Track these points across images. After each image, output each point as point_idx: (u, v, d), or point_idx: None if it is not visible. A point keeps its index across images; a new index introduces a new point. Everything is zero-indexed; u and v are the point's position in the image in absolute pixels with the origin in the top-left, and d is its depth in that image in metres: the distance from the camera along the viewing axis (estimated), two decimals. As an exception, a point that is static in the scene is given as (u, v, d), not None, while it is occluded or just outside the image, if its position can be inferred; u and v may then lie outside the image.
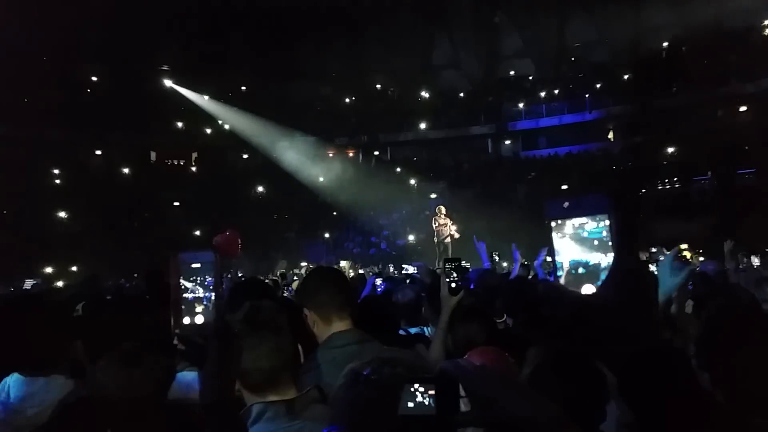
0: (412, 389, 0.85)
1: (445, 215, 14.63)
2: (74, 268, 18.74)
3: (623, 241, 0.76)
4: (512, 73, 33.94)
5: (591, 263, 0.76)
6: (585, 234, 0.75)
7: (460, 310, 2.77)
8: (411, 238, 22.69)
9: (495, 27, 33.20)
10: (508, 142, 31.86)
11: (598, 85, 29.64)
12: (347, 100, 33.76)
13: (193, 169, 31.33)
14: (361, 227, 24.45)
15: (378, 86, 34.98)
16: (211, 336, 1.36)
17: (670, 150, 25.23)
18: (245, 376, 1.52)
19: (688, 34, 26.99)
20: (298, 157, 29.06)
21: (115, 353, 1.72)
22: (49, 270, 17.96)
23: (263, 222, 25.21)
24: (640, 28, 29.08)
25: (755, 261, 6.83)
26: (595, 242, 0.74)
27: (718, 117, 26.43)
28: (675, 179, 23.61)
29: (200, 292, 1.40)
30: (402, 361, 1.06)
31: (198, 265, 1.40)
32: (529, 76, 33.27)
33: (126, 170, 28.43)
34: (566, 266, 0.79)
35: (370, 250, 22.14)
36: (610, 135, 29.46)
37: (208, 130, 31.28)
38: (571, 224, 0.76)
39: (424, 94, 33.32)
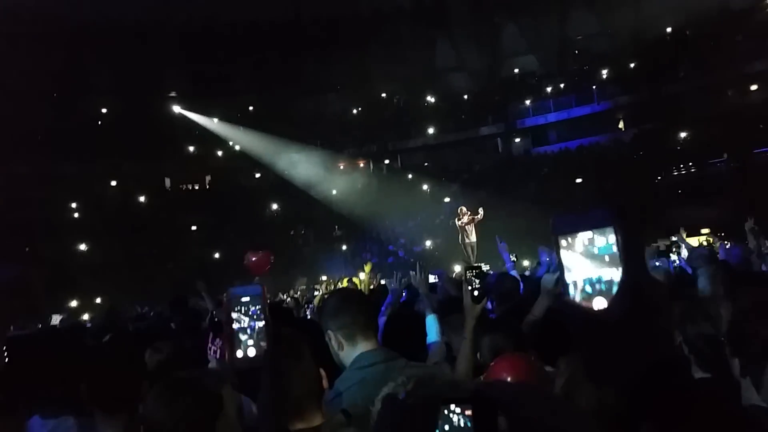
0: (449, 410, 0.83)
1: (468, 214, 14.31)
2: (98, 300, 18.96)
3: (630, 254, 0.74)
4: (517, 70, 33.83)
5: (604, 279, 0.75)
6: (595, 250, 0.75)
7: (484, 320, 2.75)
8: (428, 244, 22.64)
9: (496, 26, 33.20)
10: (518, 140, 31.73)
11: (604, 76, 29.43)
12: (354, 111, 33.90)
13: (208, 192, 31.59)
14: (377, 237, 24.47)
15: (383, 95, 35.07)
16: (263, 367, 1.37)
17: (683, 135, 24.95)
18: None
19: (691, 17, 26.74)
20: (310, 171, 29.22)
21: (169, 381, 1.71)
22: (74, 303, 18.18)
23: (280, 239, 25.32)
24: (641, 14, 28.90)
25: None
26: (606, 258, 0.73)
27: (728, 98, 26.09)
28: (690, 164, 23.34)
29: (245, 322, 1.42)
30: (434, 379, 1.04)
31: (247, 299, 1.42)
32: (534, 72, 33.15)
33: (142, 198, 28.76)
34: (579, 284, 0.79)
35: (388, 259, 22.12)
36: (621, 125, 29.19)
37: (220, 153, 31.58)
38: (580, 241, 0.76)
39: (431, 99, 33.33)
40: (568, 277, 0.87)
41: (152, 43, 27.81)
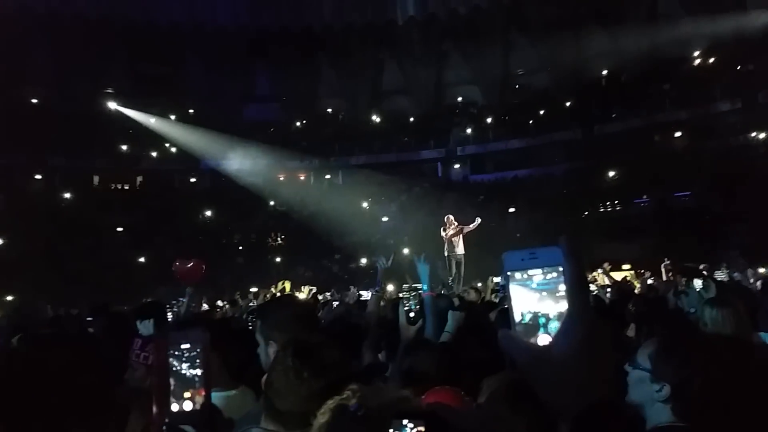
0: (400, 425, 0.84)
1: (455, 225, 12.91)
2: (10, 298, 17.82)
3: (577, 291, 0.76)
4: (460, 99, 34.69)
5: (541, 313, 0.77)
6: (534, 285, 0.77)
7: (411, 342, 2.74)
8: (363, 261, 22.66)
9: (442, 54, 33.98)
10: (457, 166, 32.42)
11: (542, 112, 30.56)
12: (298, 123, 33.71)
13: (138, 193, 30.45)
14: (313, 251, 24.28)
15: (329, 110, 35.11)
16: (199, 424, 1.23)
17: (611, 174, 26.18)
18: None
19: (626, 62, 28.31)
20: (248, 180, 28.76)
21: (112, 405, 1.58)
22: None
23: (211, 247, 24.70)
24: (580, 56, 30.33)
25: (698, 284, 7.14)
26: (544, 293, 0.76)
27: (655, 142, 27.66)
28: (616, 202, 24.49)
29: (183, 371, 1.26)
30: (381, 393, 1.03)
31: (187, 345, 1.27)
32: (476, 102, 34.07)
33: (67, 195, 27.40)
34: (517, 317, 0.81)
35: (322, 274, 21.97)
36: (554, 159, 30.29)
37: (154, 154, 30.60)
38: (519, 276, 0.78)
39: (375, 119, 33.61)
40: (515, 312, 0.87)
41: (93, 36, 26.79)
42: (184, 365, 1.25)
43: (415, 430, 0.83)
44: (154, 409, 1.23)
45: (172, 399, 1.23)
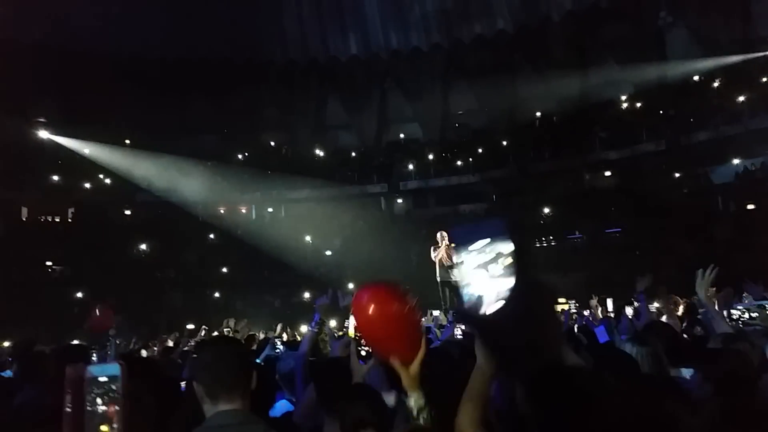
0: None
1: (447, 244, 11.16)
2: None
3: (522, 259, 0.83)
4: (402, 135, 35.37)
5: (498, 290, 0.84)
6: (478, 263, 0.83)
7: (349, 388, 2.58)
8: (306, 295, 22.44)
9: (385, 93, 34.72)
10: (400, 200, 32.81)
11: (480, 150, 31.49)
12: (239, 156, 33.36)
13: (70, 225, 29.12)
14: (254, 286, 23.86)
15: (272, 143, 35.00)
16: None
17: (546, 210, 27.15)
18: None
19: (558, 104, 29.75)
20: (187, 212, 28.12)
21: None
22: None
23: (145, 282, 23.88)
24: (516, 98, 31.66)
25: (629, 312, 7.59)
26: (487, 271, 0.82)
27: (585, 180, 28.99)
28: (550, 237, 25.37)
29: (100, 405, 1.20)
30: None
31: (105, 378, 1.21)
32: (418, 139, 34.80)
33: (-8, 227, 25.90)
34: (465, 294, 0.87)
35: (264, 310, 21.59)
36: (492, 196, 31.14)
37: (87, 185, 29.43)
38: (475, 256, 0.85)
39: (319, 153, 33.70)
40: (468, 290, 0.92)
41: (25, 63, 25.88)
42: (101, 400, 1.20)
43: None
44: None
45: None
